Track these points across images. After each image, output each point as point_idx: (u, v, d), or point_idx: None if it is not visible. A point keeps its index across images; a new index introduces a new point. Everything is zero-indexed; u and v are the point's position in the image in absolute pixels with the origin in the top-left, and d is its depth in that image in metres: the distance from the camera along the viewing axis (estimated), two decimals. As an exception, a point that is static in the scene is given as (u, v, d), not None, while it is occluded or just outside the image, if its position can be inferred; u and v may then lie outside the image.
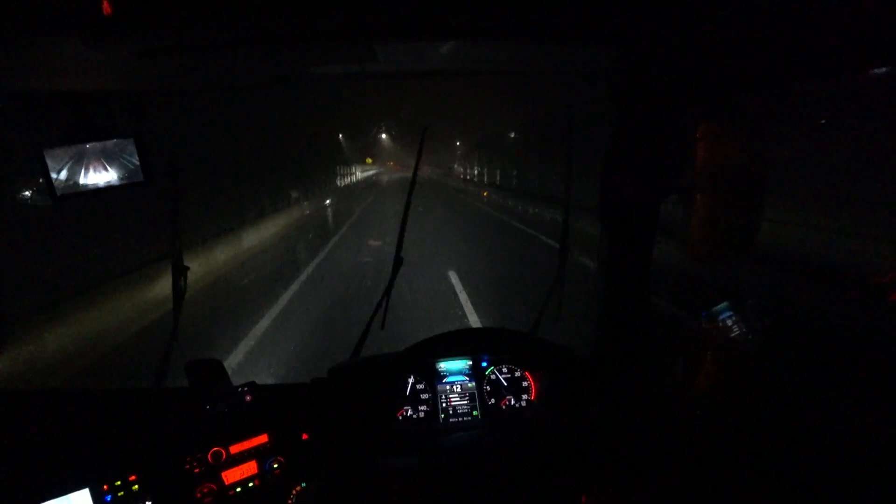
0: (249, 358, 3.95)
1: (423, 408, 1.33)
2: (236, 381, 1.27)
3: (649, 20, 0.82)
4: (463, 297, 5.44)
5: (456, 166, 45.13)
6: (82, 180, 1.17)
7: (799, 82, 0.96)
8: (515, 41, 0.92)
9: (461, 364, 1.37)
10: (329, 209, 17.48)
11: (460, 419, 1.33)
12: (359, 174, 39.03)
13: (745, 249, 1.28)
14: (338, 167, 27.10)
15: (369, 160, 41.05)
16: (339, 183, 27.08)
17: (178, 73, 1.05)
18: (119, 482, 1.05)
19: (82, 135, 1.15)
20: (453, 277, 6.26)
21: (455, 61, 1.03)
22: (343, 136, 27.88)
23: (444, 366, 1.37)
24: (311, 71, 1.01)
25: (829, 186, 6.79)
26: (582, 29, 0.88)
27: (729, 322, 1.44)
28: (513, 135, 23.13)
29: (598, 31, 0.88)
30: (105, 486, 1.04)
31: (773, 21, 0.76)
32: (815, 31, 0.76)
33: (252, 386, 1.22)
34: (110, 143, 1.18)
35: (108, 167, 1.18)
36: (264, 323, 4.79)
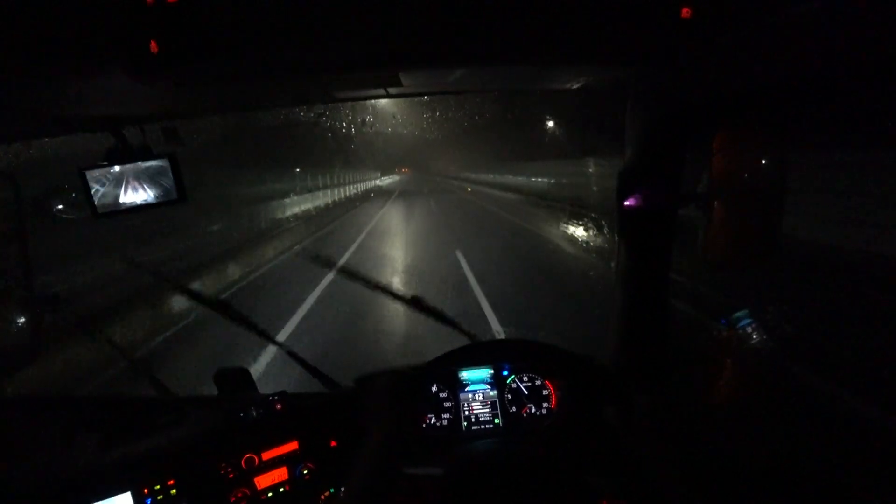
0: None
1: (446, 416, 1.36)
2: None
3: (666, 39, 0.85)
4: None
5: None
6: (121, 199, 1.24)
7: (815, 98, 0.97)
8: (533, 62, 0.95)
9: (483, 373, 1.40)
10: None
11: (482, 426, 1.36)
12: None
13: (765, 257, 1.29)
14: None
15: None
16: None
17: (210, 98, 1.11)
18: (159, 486, 1.10)
19: (120, 157, 1.22)
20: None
21: (478, 80, 1.07)
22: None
23: (466, 374, 1.40)
24: (336, 95, 1.06)
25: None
26: (599, 50, 0.91)
27: (749, 329, 1.44)
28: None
29: (616, 51, 0.91)
30: (146, 490, 1.09)
31: (788, 38, 0.77)
32: (829, 47, 0.78)
33: (282, 395, 1.26)
34: (146, 163, 1.24)
35: (145, 187, 1.25)
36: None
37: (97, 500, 1.06)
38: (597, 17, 0.79)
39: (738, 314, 1.38)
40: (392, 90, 1.01)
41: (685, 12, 0.72)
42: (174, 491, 1.11)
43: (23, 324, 1.57)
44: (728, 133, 1.24)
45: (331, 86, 1.00)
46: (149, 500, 1.09)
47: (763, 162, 1.26)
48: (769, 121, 1.24)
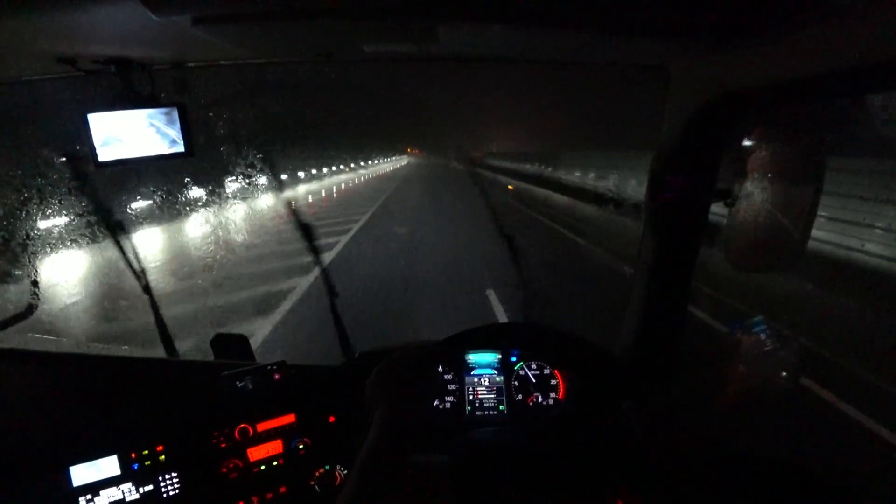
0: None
1: (450, 398, 1.32)
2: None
3: (718, 21, 0.78)
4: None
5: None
6: (125, 148, 1.17)
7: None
8: (577, 31, 0.88)
9: (490, 357, 1.36)
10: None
11: (486, 413, 1.32)
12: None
13: (790, 263, 1.24)
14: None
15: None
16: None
17: (227, 45, 1.03)
18: (147, 451, 1.05)
19: (127, 102, 1.14)
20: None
21: (515, 48, 1.00)
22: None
23: (473, 358, 1.35)
24: (366, 49, 0.99)
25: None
26: (647, 21, 0.84)
27: (763, 336, 1.39)
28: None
29: (664, 25, 0.84)
30: (133, 455, 1.04)
31: (852, 33, 0.71)
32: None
33: (281, 365, 1.21)
34: (154, 112, 1.16)
35: (151, 137, 1.17)
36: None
37: (81, 462, 1.01)
38: None
39: (752, 320, 1.33)
40: (426, 48, 0.94)
41: None
42: (163, 457, 1.07)
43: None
44: (766, 131, 1.19)
45: (360, 37, 0.92)
46: (136, 465, 1.05)
47: (800, 166, 1.21)
48: (810, 122, 1.18)
